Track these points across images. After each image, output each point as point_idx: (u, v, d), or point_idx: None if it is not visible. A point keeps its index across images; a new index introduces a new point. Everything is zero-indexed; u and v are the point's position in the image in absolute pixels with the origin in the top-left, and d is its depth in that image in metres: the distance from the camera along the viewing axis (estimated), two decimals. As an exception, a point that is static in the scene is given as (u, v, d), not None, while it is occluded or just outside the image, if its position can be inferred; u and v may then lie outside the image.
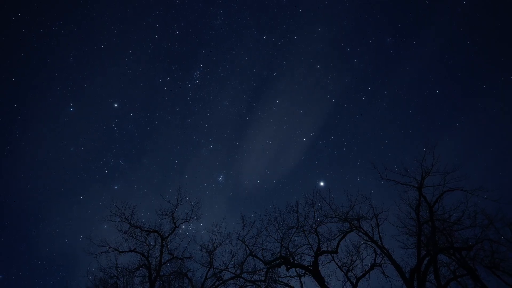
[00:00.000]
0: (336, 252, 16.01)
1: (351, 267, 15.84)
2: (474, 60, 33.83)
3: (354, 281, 15.51)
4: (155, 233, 17.01)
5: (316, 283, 15.32)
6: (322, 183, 35.30)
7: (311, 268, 15.63)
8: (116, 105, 37.49)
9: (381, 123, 38.11)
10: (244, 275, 16.07)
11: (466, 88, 34.61)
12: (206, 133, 39.83)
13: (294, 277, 16.19)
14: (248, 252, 16.48)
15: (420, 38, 35.87)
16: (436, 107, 35.66)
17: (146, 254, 16.59)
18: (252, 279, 15.95)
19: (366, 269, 15.52)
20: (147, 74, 38.27)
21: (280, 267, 16.29)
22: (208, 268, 16.36)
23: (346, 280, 15.68)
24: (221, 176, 38.24)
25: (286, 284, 16.16)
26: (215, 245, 16.86)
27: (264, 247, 16.63)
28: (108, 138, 37.91)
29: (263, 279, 15.83)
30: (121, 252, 16.60)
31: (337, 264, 16.09)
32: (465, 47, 33.71)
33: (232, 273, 16.23)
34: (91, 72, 35.83)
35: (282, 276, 16.30)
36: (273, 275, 16.15)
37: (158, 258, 16.50)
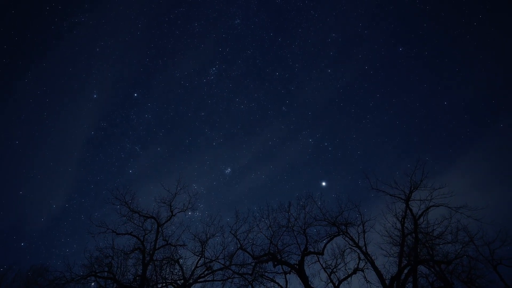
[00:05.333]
0: (322, 253, 16.71)
1: (335, 269, 16.52)
2: (484, 75, 34.44)
3: (337, 283, 16.21)
4: (152, 219, 17.74)
5: (301, 281, 16.04)
6: (324, 183, 36.31)
7: (297, 267, 16.34)
8: (135, 95, 39.86)
9: (386, 130, 39.08)
10: (233, 267, 16.81)
11: (473, 100, 35.29)
12: (217, 127, 41.72)
13: (280, 273, 16.90)
14: (239, 245, 17.24)
15: (432, 49, 36.58)
16: (442, 118, 36.46)
17: (142, 238, 17.31)
18: (240, 272, 16.68)
19: (349, 273, 16.22)
20: (166, 67, 40.17)
21: (267, 263, 17.03)
22: (199, 257, 17.11)
23: (329, 281, 16.34)
24: (228, 169, 39.74)
25: (272, 280, 16.86)
26: (208, 236, 17.61)
27: (254, 242, 17.43)
28: (126, 125, 40.14)
29: (250, 272, 16.57)
30: (118, 234, 17.32)
31: (322, 265, 16.79)
32: (478, 61, 34.29)
33: (222, 264, 16.95)
34: (115, 62, 38.06)
35: (268, 271, 17.06)
36: (260, 270, 16.91)
37: (153, 243, 17.22)
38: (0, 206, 35.27)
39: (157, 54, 39.69)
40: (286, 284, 16.67)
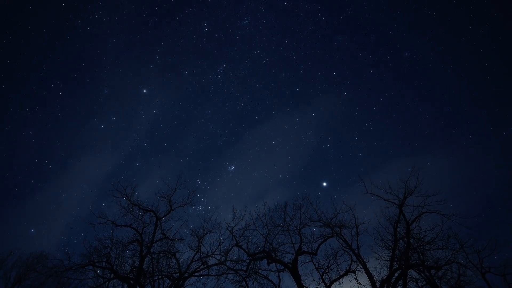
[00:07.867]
0: (316, 254, 17.05)
1: (327, 270, 16.84)
2: (489, 82, 34.70)
3: (328, 283, 16.57)
4: (151, 213, 18.14)
5: (293, 280, 16.41)
6: (324, 184, 36.88)
7: (291, 266, 16.68)
8: (145, 91, 41.16)
9: (388, 134, 39.59)
10: (228, 263, 17.22)
11: (476, 106, 35.62)
12: (222, 125, 42.96)
13: (273, 271, 17.25)
14: (235, 242, 17.59)
15: (438, 55, 36.91)
16: (445, 123, 36.88)
17: (140, 231, 17.73)
18: (235, 268, 17.07)
19: (341, 274, 16.55)
20: (175, 65, 41.54)
21: (262, 260, 17.40)
22: (195, 252, 17.51)
23: (321, 281, 16.70)
24: (232, 166, 40.60)
25: (265, 277, 17.23)
26: (205, 232, 18.00)
27: (250, 240, 17.75)
28: (135, 120, 41.62)
29: (244, 269, 16.96)
30: (118, 225, 17.73)
31: (314, 265, 17.10)
32: (483, 67, 34.57)
33: (217, 259, 17.37)
34: (125, 58, 39.51)
35: (262, 269, 17.42)
36: (255, 267, 17.27)
37: (151, 236, 17.64)
38: (11, 194, 36.69)
39: (166, 52, 40.98)
40: (279, 282, 17.04)
